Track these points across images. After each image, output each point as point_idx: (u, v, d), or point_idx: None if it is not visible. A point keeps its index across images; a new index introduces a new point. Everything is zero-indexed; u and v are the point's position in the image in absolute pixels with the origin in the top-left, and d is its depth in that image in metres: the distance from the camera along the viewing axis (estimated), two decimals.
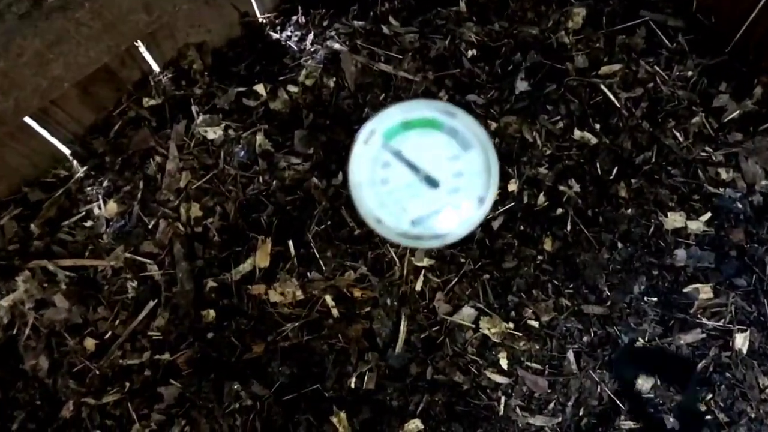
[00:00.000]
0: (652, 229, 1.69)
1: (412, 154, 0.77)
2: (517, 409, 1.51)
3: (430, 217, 0.78)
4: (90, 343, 1.55)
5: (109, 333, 1.56)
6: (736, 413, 1.51)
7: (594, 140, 1.80)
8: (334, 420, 1.46)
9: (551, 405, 1.52)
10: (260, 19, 2.03)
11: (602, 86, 1.85)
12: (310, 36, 1.99)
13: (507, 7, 2.00)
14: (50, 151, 1.76)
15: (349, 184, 0.77)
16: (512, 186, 1.72)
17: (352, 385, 1.50)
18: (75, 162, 1.80)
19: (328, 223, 1.68)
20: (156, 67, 1.89)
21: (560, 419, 1.51)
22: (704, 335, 1.58)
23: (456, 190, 0.78)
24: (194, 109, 1.83)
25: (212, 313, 1.57)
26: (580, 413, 1.52)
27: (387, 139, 0.77)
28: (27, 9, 1.40)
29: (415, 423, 1.48)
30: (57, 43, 1.47)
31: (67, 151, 1.80)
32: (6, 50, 1.39)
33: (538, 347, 1.57)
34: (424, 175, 0.77)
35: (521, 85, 1.85)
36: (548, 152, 1.78)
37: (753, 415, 1.51)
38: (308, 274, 1.60)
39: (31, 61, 1.45)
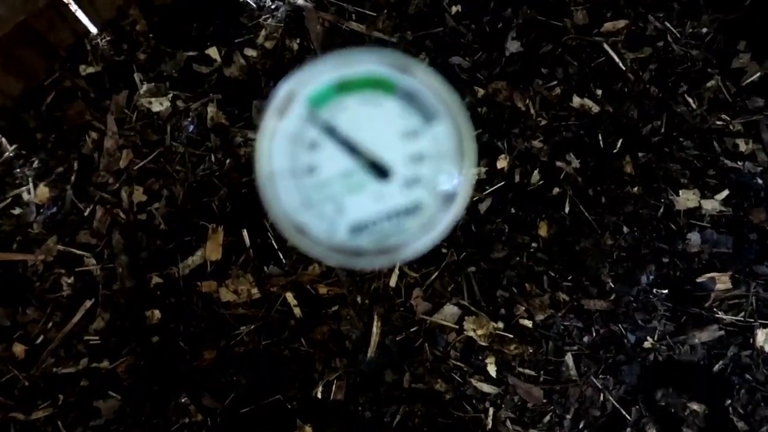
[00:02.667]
0: (661, 209, 1.63)
1: (350, 130, 0.56)
2: (508, 422, 1.44)
3: (377, 221, 0.58)
4: (19, 348, 1.47)
5: (41, 337, 1.49)
6: (757, 420, 1.45)
7: (595, 108, 1.72)
8: None
9: (547, 417, 1.45)
10: None
11: (605, 46, 1.79)
12: None
13: None
14: None
15: (256, 175, 0.55)
16: (502, 163, 1.65)
17: (319, 396, 1.44)
18: (3, 140, 1.68)
19: None
20: (93, 29, 1.77)
21: None
22: (721, 332, 1.51)
23: (414, 181, 0.58)
24: (137, 77, 1.73)
25: (157, 313, 1.50)
26: (581, 426, 1.45)
27: (314, 107, 0.55)
28: None
29: None
30: None
31: None
32: None
33: (531, 350, 1.50)
34: (368, 161, 0.57)
35: (512, 46, 1.78)
36: (543, 123, 1.70)
37: None
38: (265, 268, 1.54)
39: None
